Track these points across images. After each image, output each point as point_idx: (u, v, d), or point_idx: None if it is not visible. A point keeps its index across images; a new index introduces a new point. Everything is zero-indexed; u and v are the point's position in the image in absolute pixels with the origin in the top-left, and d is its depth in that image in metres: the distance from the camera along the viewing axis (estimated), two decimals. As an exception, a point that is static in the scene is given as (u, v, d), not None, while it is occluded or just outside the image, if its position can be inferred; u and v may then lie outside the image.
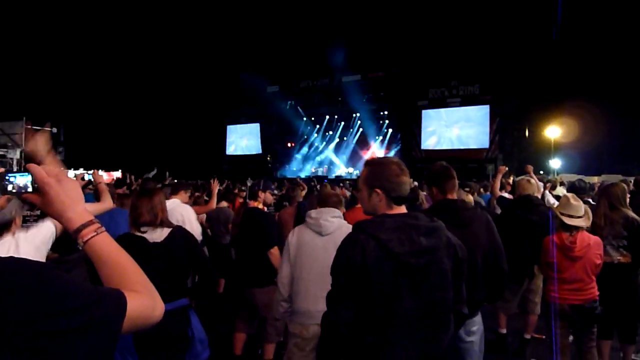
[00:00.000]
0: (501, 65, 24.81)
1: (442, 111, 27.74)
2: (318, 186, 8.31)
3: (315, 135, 32.90)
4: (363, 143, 31.89)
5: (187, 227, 4.31)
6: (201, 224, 5.63)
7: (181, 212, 4.49)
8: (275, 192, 7.30)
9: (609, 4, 24.07)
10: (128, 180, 8.43)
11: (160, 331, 2.42)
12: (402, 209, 1.92)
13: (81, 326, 0.80)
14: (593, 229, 3.72)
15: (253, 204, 4.30)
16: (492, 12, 24.19)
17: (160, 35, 29.95)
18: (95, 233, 1.04)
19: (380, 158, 2.01)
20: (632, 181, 6.79)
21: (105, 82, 30.86)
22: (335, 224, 2.95)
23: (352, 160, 31.90)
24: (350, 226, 2.79)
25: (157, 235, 2.69)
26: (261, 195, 4.36)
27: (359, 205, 4.36)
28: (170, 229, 2.75)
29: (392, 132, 30.97)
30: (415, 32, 26.68)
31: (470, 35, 24.91)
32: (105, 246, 1.04)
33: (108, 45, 29.77)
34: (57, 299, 0.79)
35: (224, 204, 6.54)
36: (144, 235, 2.67)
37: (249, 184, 6.55)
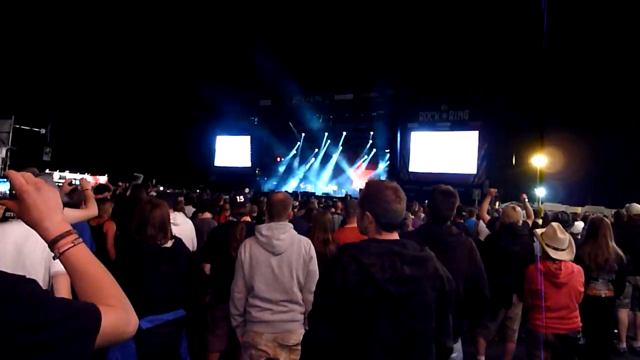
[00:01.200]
0: (491, 92, 25.12)
1: (432, 134, 27.93)
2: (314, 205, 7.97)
3: (298, 152, 33.25)
4: (350, 161, 32.09)
5: (185, 238, 4.36)
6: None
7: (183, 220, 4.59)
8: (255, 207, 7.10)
9: (597, 35, 24.62)
10: (114, 189, 8.27)
11: (163, 341, 2.52)
12: (393, 235, 1.91)
13: (54, 341, 0.79)
14: (589, 266, 3.81)
15: (245, 218, 4.23)
16: (485, 40, 24.59)
17: (155, 39, 29.63)
18: (73, 244, 1.02)
19: (378, 181, 1.99)
20: (613, 214, 6.86)
21: (97, 84, 30.29)
22: (287, 241, 2.91)
23: (336, 177, 32.07)
24: (306, 239, 3.00)
25: (160, 239, 2.81)
26: (247, 209, 4.31)
27: (349, 225, 4.52)
28: (174, 239, 2.88)
29: (379, 152, 31.11)
30: (409, 54, 26.98)
31: (463, 61, 25.27)
32: (82, 258, 1.02)
33: (100, 45, 29.32)
34: (30, 314, 0.78)
35: (208, 215, 6.42)
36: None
37: (240, 199, 6.54)
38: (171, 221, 2.95)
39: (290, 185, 31.96)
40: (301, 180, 33.12)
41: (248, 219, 4.22)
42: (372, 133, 30.76)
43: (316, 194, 26.69)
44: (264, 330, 2.85)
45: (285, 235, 2.92)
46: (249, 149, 34.18)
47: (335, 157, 32.42)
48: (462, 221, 7.41)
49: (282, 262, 2.85)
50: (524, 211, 5.84)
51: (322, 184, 31.71)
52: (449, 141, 27.32)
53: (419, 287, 1.79)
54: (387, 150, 30.49)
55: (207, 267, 3.87)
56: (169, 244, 2.84)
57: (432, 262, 1.87)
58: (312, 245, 2.99)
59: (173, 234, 2.92)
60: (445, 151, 27.42)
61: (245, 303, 2.91)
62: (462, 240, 2.76)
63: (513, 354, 4.60)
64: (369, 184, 2.00)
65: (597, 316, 3.81)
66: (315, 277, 2.84)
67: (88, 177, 23.82)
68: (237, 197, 4.08)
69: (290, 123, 32.39)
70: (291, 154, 33.92)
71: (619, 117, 25.47)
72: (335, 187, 29.47)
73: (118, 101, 31.46)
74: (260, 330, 2.86)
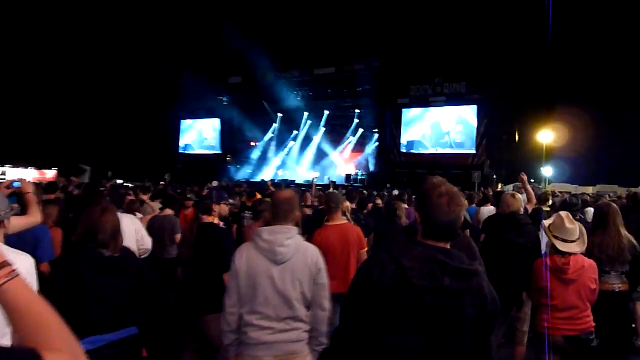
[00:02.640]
0: (491, 61, 25.05)
1: (425, 111, 28.12)
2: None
3: (274, 135, 33.46)
4: (334, 144, 32.27)
5: (138, 239, 4.32)
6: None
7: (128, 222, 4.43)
8: (231, 201, 7.25)
9: (605, 6, 24.68)
10: (63, 185, 8.15)
11: None
12: (441, 243, 1.92)
13: None
14: (600, 259, 3.76)
15: (207, 219, 4.23)
16: (481, 4, 24.58)
17: (107, 7, 29.20)
18: (8, 278, 0.97)
19: (435, 182, 1.95)
20: (626, 196, 6.79)
21: (41, 61, 29.50)
22: (292, 248, 2.77)
23: (319, 162, 32.31)
24: (313, 247, 2.90)
25: (111, 249, 2.76)
26: (215, 208, 4.30)
27: (332, 223, 4.58)
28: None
29: (366, 132, 31.33)
30: (397, 22, 26.87)
31: (458, 28, 25.04)
32: (21, 294, 0.97)
33: (44, 17, 28.70)
34: None
35: (169, 211, 6.40)
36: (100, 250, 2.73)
37: (214, 185, 6.36)
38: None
39: (266, 174, 32.03)
40: (279, 168, 33.30)
41: (214, 220, 4.18)
42: (358, 111, 31.04)
43: (296, 182, 26.72)
44: (263, 353, 2.71)
45: (290, 241, 2.78)
46: (219, 133, 34.28)
47: (317, 139, 32.55)
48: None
49: (285, 273, 2.73)
50: (524, 195, 5.81)
51: (303, 171, 31.95)
52: (445, 118, 27.68)
53: (457, 301, 1.84)
54: (376, 131, 30.81)
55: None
56: (116, 251, 2.79)
57: (477, 279, 1.90)
58: (320, 255, 2.88)
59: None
60: (440, 129, 27.70)
61: (240, 321, 2.79)
62: (460, 237, 2.66)
63: (523, 358, 4.59)
64: (425, 182, 1.98)
65: (612, 313, 3.78)
66: (326, 289, 2.81)
67: (33, 172, 23.51)
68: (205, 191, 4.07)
69: (264, 102, 32.40)
70: (267, 138, 34.04)
71: (633, 84, 25.73)
72: (317, 174, 29.49)
73: (66, 83, 30.71)
74: (259, 353, 2.72)
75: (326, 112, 31.94)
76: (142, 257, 4.29)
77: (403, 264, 1.83)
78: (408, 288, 1.81)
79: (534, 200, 5.90)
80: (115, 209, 2.90)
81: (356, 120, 31.18)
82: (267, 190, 9.08)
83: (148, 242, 4.49)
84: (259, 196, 7.61)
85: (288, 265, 2.75)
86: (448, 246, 1.94)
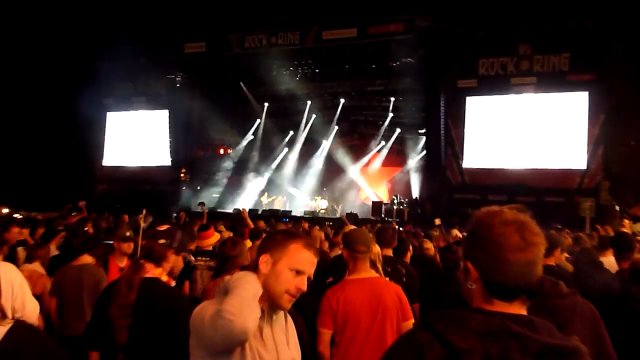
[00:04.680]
0: (610, 21, 24.97)
1: (502, 99, 28.29)
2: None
3: (257, 137, 34.20)
4: (353, 152, 32.94)
5: (15, 306, 4.00)
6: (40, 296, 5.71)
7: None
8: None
9: None
10: None
11: None
12: (514, 307, 1.98)
13: None
14: None
15: (153, 271, 4.37)
16: None
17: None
18: None
19: (491, 212, 2.05)
20: None
21: None
22: None
23: (328, 183, 33.01)
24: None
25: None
26: (171, 258, 4.45)
27: (356, 275, 4.83)
28: (10, 323, 2.97)
29: (407, 134, 31.97)
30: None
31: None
32: None
33: None
34: None
35: (88, 259, 6.59)
36: None
37: (143, 222, 7.06)
38: None
39: (244, 199, 33.08)
40: (263, 190, 33.79)
41: (162, 275, 4.36)
42: (393, 100, 31.30)
43: (292, 213, 27.44)
44: None
45: None
46: (167, 134, 34.52)
47: (326, 145, 33.11)
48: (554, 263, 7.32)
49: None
50: None
51: (303, 196, 32.72)
52: (535, 112, 27.57)
53: None
54: (422, 132, 31.23)
55: None
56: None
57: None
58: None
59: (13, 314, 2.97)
60: (528, 129, 27.59)
61: None
62: (579, 304, 2.87)
63: None
64: (477, 216, 2.08)
65: None
66: None
67: None
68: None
69: (241, 83, 32.84)
70: (245, 142, 34.73)
71: None
72: (324, 203, 31.10)
73: None
74: None
75: (341, 101, 32.29)
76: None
77: (454, 345, 1.83)
78: None
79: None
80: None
81: (390, 115, 31.64)
82: (242, 226, 9.54)
83: (31, 310, 4.10)
84: (215, 235, 8.05)
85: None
86: (524, 311, 1.99)
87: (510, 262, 1.91)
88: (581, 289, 5.43)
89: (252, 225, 10.73)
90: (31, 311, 3.77)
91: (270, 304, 2.99)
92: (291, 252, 3.00)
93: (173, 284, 4.75)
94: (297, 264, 2.98)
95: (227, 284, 2.93)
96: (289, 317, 3.18)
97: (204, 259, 7.43)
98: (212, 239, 8.09)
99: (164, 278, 4.42)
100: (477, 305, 1.98)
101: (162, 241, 4.47)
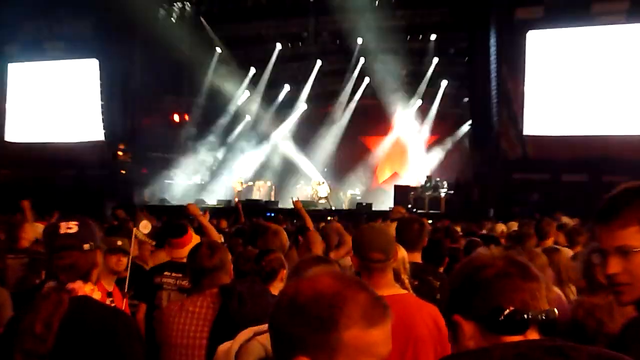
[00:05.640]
0: None
1: (576, 35, 28.00)
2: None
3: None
4: (373, 116, 34.30)
5: None
6: None
7: None
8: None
9: None
10: None
11: None
12: (532, 334, 2.25)
13: None
14: None
15: (82, 288, 4.23)
16: None
17: None
18: None
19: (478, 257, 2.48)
20: None
21: None
22: None
23: (334, 162, 34.85)
24: None
25: None
26: (99, 260, 4.51)
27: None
28: None
29: (440, 87, 33.18)
30: None
31: None
32: None
33: None
34: None
35: None
36: None
37: (140, 231, 8.21)
38: None
39: (216, 190, 34.37)
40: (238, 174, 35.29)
41: (88, 290, 4.32)
42: (422, 43, 32.08)
43: (280, 205, 30.29)
44: None
45: None
46: (98, 95, 34.10)
47: (340, 105, 34.84)
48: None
49: None
50: None
51: (304, 182, 34.49)
52: (627, 51, 27.12)
53: None
54: (461, 86, 32.90)
55: None
56: None
57: None
58: None
59: None
60: (616, 78, 27.24)
61: None
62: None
63: None
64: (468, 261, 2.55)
65: None
66: None
67: None
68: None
69: (202, 19, 33.19)
70: (212, 105, 36.01)
71: None
72: (325, 189, 31.45)
73: None
74: None
75: (359, 41, 32.04)
76: None
77: None
78: None
79: None
80: None
81: (425, 64, 32.31)
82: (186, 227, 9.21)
83: None
84: (194, 239, 7.85)
85: None
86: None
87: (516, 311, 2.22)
88: None
89: (209, 227, 9.95)
90: None
91: None
92: (348, 346, 2.34)
93: (109, 301, 5.61)
94: (366, 358, 2.37)
95: None
96: None
97: (174, 275, 7.25)
98: (191, 246, 7.12)
99: (97, 295, 4.32)
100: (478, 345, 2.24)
101: (86, 247, 4.27)
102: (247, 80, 35.60)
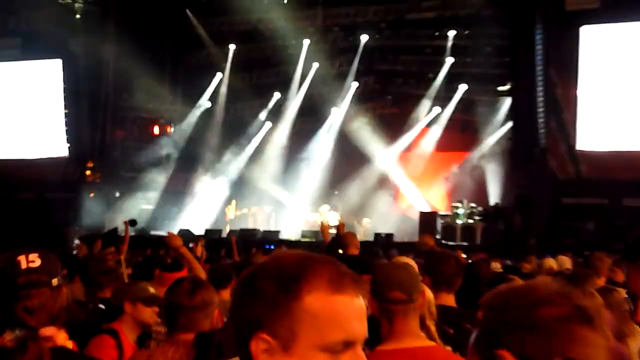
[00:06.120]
0: None
1: (634, 28, 28.27)
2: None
3: (215, 102, 36.42)
4: (388, 126, 34.03)
5: None
6: None
7: None
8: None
9: None
10: None
11: None
12: None
13: None
14: None
15: (56, 335, 3.92)
16: None
17: None
18: None
19: (526, 287, 2.32)
20: None
21: None
22: None
23: (337, 181, 34.55)
24: None
25: None
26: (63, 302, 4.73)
27: (394, 345, 5.08)
28: None
29: (471, 94, 33.05)
30: None
31: None
32: None
33: None
34: None
35: None
36: None
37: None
38: None
39: (199, 214, 34.46)
40: (229, 198, 35.43)
41: (62, 339, 4.07)
42: (452, 36, 32.16)
43: (282, 236, 30.12)
44: None
45: None
46: (61, 102, 34.93)
47: (337, 117, 34.97)
48: None
49: None
50: None
51: (300, 205, 34.34)
52: None
53: None
54: (504, 89, 32.50)
55: None
56: None
57: None
58: None
59: None
60: None
61: None
62: None
63: None
64: (496, 295, 2.34)
65: None
66: None
67: None
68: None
69: (188, 11, 34.26)
70: (196, 112, 36.33)
71: None
72: (334, 217, 30.69)
73: None
74: None
75: (362, 39, 32.28)
76: None
77: None
78: None
79: None
80: None
81: (448, 61, 32.13)
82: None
83: None
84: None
85: None
86: None
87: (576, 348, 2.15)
88: None
89: (192, 261, 9.87)
90: None
91: None
92: (310, 314, 2.26)
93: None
94: (333, 331, 2.25)
95: None
96: None
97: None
98: None
99: (69, 345, 4.15)
100: None
101: (55, 282, 4.28)
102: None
